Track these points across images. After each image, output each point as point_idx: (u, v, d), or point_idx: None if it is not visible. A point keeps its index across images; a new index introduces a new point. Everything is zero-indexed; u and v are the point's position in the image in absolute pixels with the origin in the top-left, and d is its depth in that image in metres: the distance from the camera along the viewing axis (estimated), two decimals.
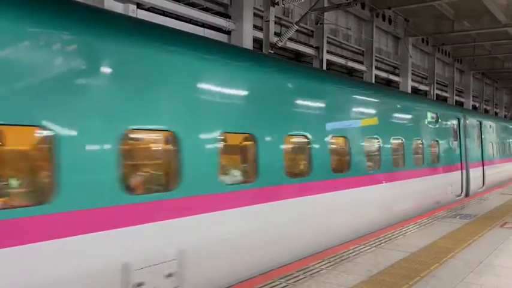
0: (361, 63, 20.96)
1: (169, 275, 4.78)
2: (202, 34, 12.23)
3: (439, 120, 12.89)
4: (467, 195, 14.36)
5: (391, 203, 9.70)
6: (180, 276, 4.88)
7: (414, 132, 11.40)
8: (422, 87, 27.21)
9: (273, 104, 6.72)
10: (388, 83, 23.64)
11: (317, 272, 5.81)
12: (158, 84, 5.06)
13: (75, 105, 4.28)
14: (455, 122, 14.08)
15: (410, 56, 24.42)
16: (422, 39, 26.47)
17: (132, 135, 4.93)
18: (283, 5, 14.65)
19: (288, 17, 16.31)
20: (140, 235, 4.62)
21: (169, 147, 5.24)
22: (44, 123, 4.05)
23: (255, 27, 14.17)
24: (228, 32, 13.55)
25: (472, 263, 6.31)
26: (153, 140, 5.54)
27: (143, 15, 10.90)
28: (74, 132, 4.24)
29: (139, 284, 4.50)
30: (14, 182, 4.16)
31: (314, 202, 7.22)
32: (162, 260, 4.73)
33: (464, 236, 7.99)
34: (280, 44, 14.48)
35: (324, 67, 17.28)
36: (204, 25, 12.88)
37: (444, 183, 12.82)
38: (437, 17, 22.62)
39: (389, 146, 9.74)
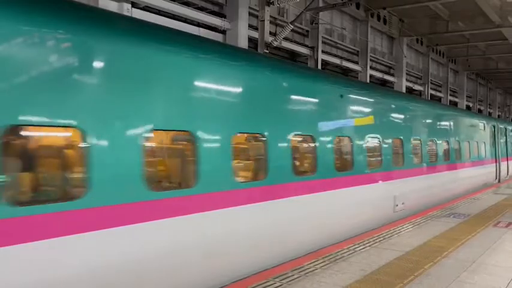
0: (356, 63, 21.01)
1: (403, 203, 10.47)
2: (197, 33, 12.22)
3: (485, 128, 18.69)
4: (499, 181, 19.98)
5: (470, 179, 15.86)
6: (405, 204, 10.54)
7: (476, 136, 17.18)
8: (416, 87, 27.32)
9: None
10: (383, 83, 23.72)
11: (311, 271, 5.81)
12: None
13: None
14: (492, 128, 19.69)
15: (405, 56, 24.52)
16: (417, 40, 26.58)
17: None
18: (278, 5, 14.67)
19: (283, 16, 16.32)
20: (399, 184, 10.39)
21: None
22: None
23: (250, 26, 14.17)
24: (223, 32, 13.55)
25: (465, 262, 6.35)
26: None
27: (138, 14, 10.85)
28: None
29: (396, 205, 10.20)
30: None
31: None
32: (401, 195, 10.36)
33: (458, 235, 8.03)
34: (275, 44, 14.50)
35: (319, 67, 17.31)
36: (199, 24, 12.87)
37: (488, 171, 18.56)
38: (432, 18, 22.73)
39: (465, 146, 15.53)
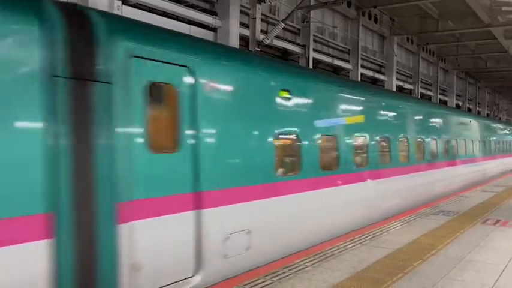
0: (347, 61, 21.08)
1: (484, 174, 20.17)
2: (188, 31, 12.17)
3: None
4: None
5: (504, 166, 25.04)
6: (486, 174, 20.71)
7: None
8: (407, 85, 27.49)
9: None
10: (374, 81, 23.83)
11: (302, 269, 5.83)
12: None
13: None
14: None
15: (396, 55, 24.65)
16: (408, 38, 26.72)
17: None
18: (269, 3, 14.64)
19: (274, 14, 16.31)
20: (485, 163, 20.69)
21: None
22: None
23: (242, 24, 14.14)
24: (214, 29, 13.51)
25: (454, 259, 6.41)
26: None
27: (128, 11, 10.76)
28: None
29: (484, 174, 20.08)
30: None
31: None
32: (485, 169, 20.48)
33: (447, 233, 8.11)
34: (266, 42, 14.49)
35: (310, 65, 17.34)
36: (190, 22, 12.82)
37: None
38: (422, 17, 22.85)
39: (505, 144, 26.05)
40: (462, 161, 16.46)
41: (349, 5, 20.19)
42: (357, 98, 9.67)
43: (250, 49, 14.04)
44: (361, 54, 21.79)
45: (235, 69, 6.14)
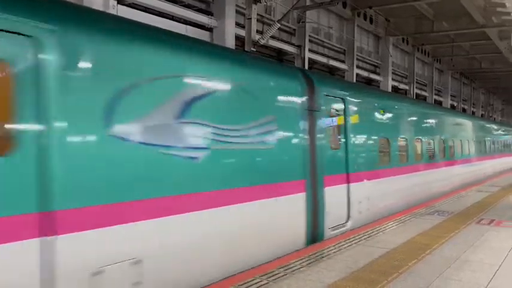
0: (343, 62, 21.11)
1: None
2: (184, 31, 12.14)
3: None
4: None
5: None
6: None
7: None
8: (402, 86, 27.58)
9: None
10: (369, 81, 23.88)
11: (297, 269, 5.83)
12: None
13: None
14: None
15: (391, 55, 24.72)
16: (403, 39, 26.80)
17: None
18: (265, 3, 14.64)
19: (270, 15, 16.31)
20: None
21: None
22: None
23: (237, 24, 14.13)
24: (210, 29, 13.50)
25: (450, 259, 6.44)
26: None
27: (123, 11, 10.73)
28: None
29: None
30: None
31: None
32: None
33: (442, 233, 8.14)
34: (262, 42, 14.48)
35: (306, 66, 17.35)
36: (186, 22, 12.79)
37: None
38: (417, 17, 22.93)
39: None
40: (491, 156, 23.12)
41: (344, 5, 20.22)
42: (421, 110, 14.36)
43: (245, 49, 14.03)
44: (357, 55, 21.81)
45: (363, 99, 10.08)
